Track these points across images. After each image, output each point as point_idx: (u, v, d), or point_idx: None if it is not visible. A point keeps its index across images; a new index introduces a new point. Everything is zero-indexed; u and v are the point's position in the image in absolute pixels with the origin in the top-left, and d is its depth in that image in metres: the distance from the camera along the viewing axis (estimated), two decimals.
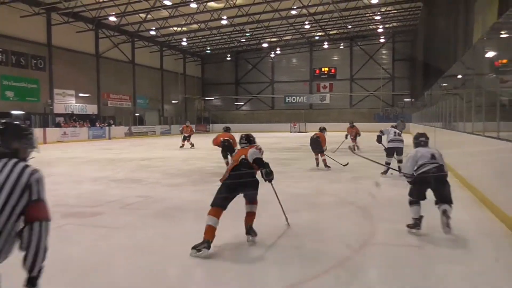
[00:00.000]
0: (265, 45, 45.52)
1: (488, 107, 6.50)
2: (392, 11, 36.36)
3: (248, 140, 5.12)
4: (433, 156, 5.00)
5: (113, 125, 33.47)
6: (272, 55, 48.20)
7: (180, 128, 21.08)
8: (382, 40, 44.42)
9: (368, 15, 36.88)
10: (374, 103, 44.78)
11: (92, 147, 22.23)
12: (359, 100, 45.61)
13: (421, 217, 4.92)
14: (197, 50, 47.19)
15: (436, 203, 4.81)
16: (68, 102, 31.13)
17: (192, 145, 19.93)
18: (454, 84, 11.81)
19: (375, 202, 7.05)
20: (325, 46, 45.52)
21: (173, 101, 45.06)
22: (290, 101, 47.48)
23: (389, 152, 10.08)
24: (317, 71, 46.24)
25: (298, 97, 47.18)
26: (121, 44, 36.26)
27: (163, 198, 7.54)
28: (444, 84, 14.41)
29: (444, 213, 4.69)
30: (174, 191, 8.39)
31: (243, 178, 4.65)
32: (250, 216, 4.84)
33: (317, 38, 44.68)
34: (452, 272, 3.83)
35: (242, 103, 50.78)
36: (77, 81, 31.38)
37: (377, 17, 37.61)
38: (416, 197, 4.96)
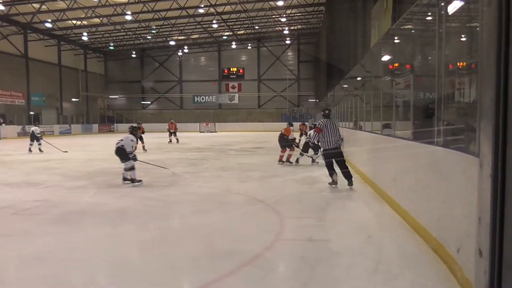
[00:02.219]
0: (172, 43, 44.70)
1: (385, 108, 7.04)
2: (297, 14, 37.83)
3: None
4: None
5: (3, 124, 30.70)
6: (180, 54, 47.53)
7: (167, 127, 23.39)
8: (288, 42, 46.03)
9: (274, 16, 38.00)
10: (281, 103, 46.25)
11: None
12: (267, 100, 46.79)
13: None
14: (99, 45, 44.81)
15: None
16: None
17: (178, 141, 22.09)
18: (355, 85, 12.56)
19: (282, 199, 7.27)
20: (233, 46, 46.01)
21: (73, 99, 42.32)
22: (199, 100, 47.22)
23: (307, 148, 11.90)
24: (226, 71, 46.56)
25: (207, 97, 47.09)
26: (12, 36, 33.17)
27: (63, 202, 7.09)
28: (345, 85, 15.28)
29: None
30: (76, 194, 7.93)
31: None
32: None
33: (225, 37, 44.96)
34: (355, 263, 4.07)
35: (149, 102, 49.34)
36: None
37: (283, 19, 38.92)
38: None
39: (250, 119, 43.74)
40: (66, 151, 14.99)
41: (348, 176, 7.74)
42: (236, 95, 46.51)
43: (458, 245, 3.31)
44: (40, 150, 16.92)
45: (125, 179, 8.80)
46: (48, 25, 33.30)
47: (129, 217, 6.10)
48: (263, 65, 46.76)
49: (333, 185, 7.91)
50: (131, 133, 9.00)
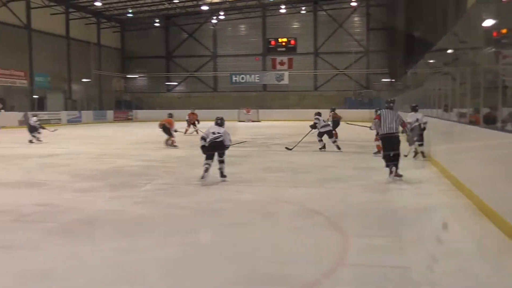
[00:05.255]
0: (204, 7, 45.09)
1: (487, 90, 6.71)
2: None
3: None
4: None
5: (2, 110, 32.19)
6: (214, 21, 47.92)
7: (187, 117, 24.26)
8: (353, 4, 45.26)
9: None
10: (344, 84, 45.64)
11: None
12: (326, 80, 46.38)
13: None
14: (115, 13, 45.96)
15: None
16: None
17: (197, 132, 21.90)
18: (445, 61, 12.21)
19: (346, 211, 7.16)
20: (282, 11, 45.82)
21: (83, 80, 43.76)
22: (237, 80, 47.51)
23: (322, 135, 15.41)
24: (273, 43, 46.43)
25: (248, 76, 47.29)
26: (12, 3, 34.61)
27: (71, 208, 7.31)
28: (431, 61, 14.81)
29: None
30: (86, 198, 8.18)
31: None
32: None
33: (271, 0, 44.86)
34: None
35: (176, 83, 50.20)
36: None
37: None
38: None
39: (302, 105, 43.41)
40: (56, 129, 19.49)
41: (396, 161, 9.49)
42: (286, 73, 46.37)
43: None
44: (39, 139, 18.72)
45: (223, 175, 9.73)
46: None
47: (148, 229, 6.18)
48: (321, 35, 46.32)
49: (396, 177, 9.39)
50: (222, 125, 10.06)
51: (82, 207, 7.40)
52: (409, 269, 4.60)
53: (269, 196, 8.41)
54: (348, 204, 7.69)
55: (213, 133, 9.74)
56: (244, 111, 42.35)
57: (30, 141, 18.53)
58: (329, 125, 15.88)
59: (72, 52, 41.95)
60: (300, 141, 16.06)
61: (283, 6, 45.39)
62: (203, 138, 9.76)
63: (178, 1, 43.56)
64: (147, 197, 8.17)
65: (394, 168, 9.38)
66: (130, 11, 45.55)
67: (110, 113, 44.17)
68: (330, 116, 20.27)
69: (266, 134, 22.20)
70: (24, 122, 32.19)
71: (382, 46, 44.19)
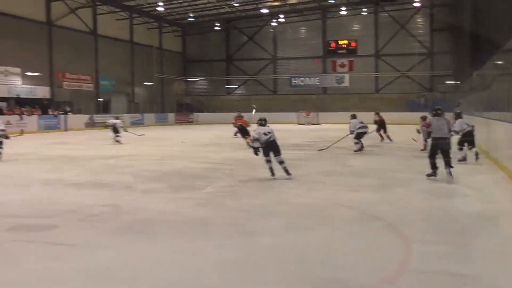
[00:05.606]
0: (264, 10, 45.31)
1: None
2: None
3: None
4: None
5: (70, 113, 33.35)
6: (274, 24, 48.08)
7: (233, 119, 23.91)
8: (417, 4, 44.25)
9: None
10: (406, 87, 44.63)
11: (43, 140, 22.18)
12: (388, 83, 45.56)
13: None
14: (176, 17, 46.98)
15: None
16: (13, 83, 30.96)
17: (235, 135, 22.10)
18: None
19: (407, 216, 7.06)
20: (343, 12, 45.39)
21: (146, 83, 45.01)
22: (297, 83, 47.44)
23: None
24: (333, 45, 46.18)
25: (307, 78, 47.15)
26: (80, 10, 36.07)
27: (134, 208, 7.58)
28: (500, 62, 14.35)
29: None
30: (148, 199, 8.46)
31: None
32: None
33: (332, 1, 44.55)
34: None
35: (236, 86, 50.74)
36: (23, 56, 31.17)
37: None
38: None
39: (363, 107, 42.42)
40: (143, 134, 21.41)
41: (448, 164, 9.78)
42: (346, 75, 45.91)
43: None
44: (118, 141, 20.06)
45: (289, 173, 10.18)
46: None
47: (208, 230, 6.32)
48: (383, 36, 45.55)
49: (431, 177, 9.98)
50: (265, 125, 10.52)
51: (144, 208, 7.63)
52: (477, 277, 4.49)
53: (327, 199, 8.38)
54: (409, 209, 7.57)
55: (265, 133, 10.13)
56: (304, 114, 42.20)
57: (118, 141, 20.01)
58: (365, 126, 16.16)
59: (136, 56, 43.27)
60: (334, 143, 16.80)
61: (343, 8, 44.91)
62: (256, 140, 10.15)
63: (238, 4, 43.97)
64: (208, 199, 8.34)
65: (435, 170, 9.96)
66: (191, 15, 46.36)
67: (171, 116, 45.18)
68: (376, 118, 20.56)
69: (326, 138, 22.08)
70: (91, 124, 33.68)
71: (447, 47, 42.91)
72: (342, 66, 46.24)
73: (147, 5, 40.83)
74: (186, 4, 42.12)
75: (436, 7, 43.99)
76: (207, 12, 46.13)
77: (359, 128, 15.90)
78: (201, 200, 8.21)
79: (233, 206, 7.80)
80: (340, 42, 45.87)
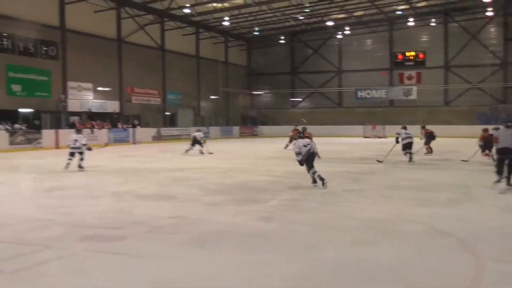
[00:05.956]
0: (329, 23, 45.20)
1: None
2: None
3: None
4: None
5: (138, 126, 34.46)
6: (339, 36, 47.85)
7: (291, 133, 24.29)
8: (489, 14, 42.89)
9: None
10: (478, 99, 43.15)
11: (113, 153, 22.98)
12: (458, 95, 44.22)
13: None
14: (242, 31, 47.73)
15: None
16: (85, 97, 32.41)
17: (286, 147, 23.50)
18: None
19: (480, 233, 6.83)
20: (410, 24, 44.57)
21: (211, 96, 45.87)
22: (363, 96, 46.91)
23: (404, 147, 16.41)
24: (400, 57, 45.46)
25: (374, 91, 46.53)
26: (148, 26, 37.32)
27: (200, 220, 7.75)
28: None
29: None
30: (214, 211, 8.59)
31: None
32: None
33: (399, 12, 43.89)
34: None
35: (300, 99, 50.78)
36: (95, 72, 32.57)
37: None
38: None
39: (432, 120, 41.32)
40: (212, 153, 21.29)
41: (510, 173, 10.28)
42: (414, 88, 44.93)
43: None
44: (201, 152, 21.54)
45: (322, 180, 10.62)
46: (186, 10, 36.71)
47: (273, 244, 6.35)
48: (452, 47, 44.34)
49: (496, 182, 10.20)
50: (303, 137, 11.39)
51: (210, 220, 7.77)
52: None
53: (394, 214, 8.26)
54: (482, 226, 7.32)
55: (305, 145, 10.80)
56: (370, 127, 41.66)
57: (201, 152, 21.42)
58: (410, 137, 16.60)
59: (201, 70, 44.18)
60: (388, 154, 16.99)
61: (411, 19, 44.10)
62: (299, 154, 10.68)
63: (303, 18, 44.13)
64: (272, 212, 8.39)
65: (502, 178, 10.28)
66: (257, 29, 46.99)
67: (236, 129, 45.75)
68: (422, 132, 21.18)
69: (392, 151, 21.66)
70: (158, 137, 34.62)
71: None
72: (410, 78, 45.37)
73: (213, 20, 41.69)
74: (251, 18, 42.68)
75: (510, 15, 42.43)
76: (272, 26, 46.54)
77: (404, 139, 16.45)
78: (265, 213, 8.26)
79: (296, 219, 7.80)
80: (408, 53, 45.09)
